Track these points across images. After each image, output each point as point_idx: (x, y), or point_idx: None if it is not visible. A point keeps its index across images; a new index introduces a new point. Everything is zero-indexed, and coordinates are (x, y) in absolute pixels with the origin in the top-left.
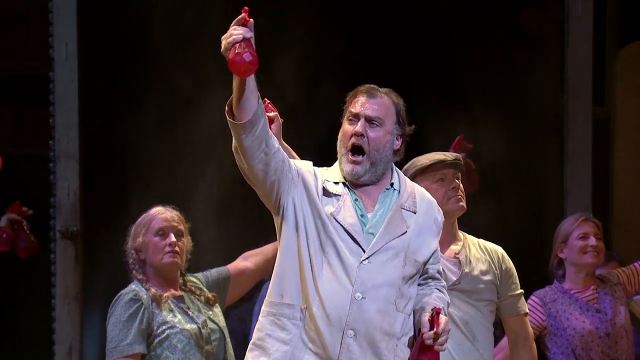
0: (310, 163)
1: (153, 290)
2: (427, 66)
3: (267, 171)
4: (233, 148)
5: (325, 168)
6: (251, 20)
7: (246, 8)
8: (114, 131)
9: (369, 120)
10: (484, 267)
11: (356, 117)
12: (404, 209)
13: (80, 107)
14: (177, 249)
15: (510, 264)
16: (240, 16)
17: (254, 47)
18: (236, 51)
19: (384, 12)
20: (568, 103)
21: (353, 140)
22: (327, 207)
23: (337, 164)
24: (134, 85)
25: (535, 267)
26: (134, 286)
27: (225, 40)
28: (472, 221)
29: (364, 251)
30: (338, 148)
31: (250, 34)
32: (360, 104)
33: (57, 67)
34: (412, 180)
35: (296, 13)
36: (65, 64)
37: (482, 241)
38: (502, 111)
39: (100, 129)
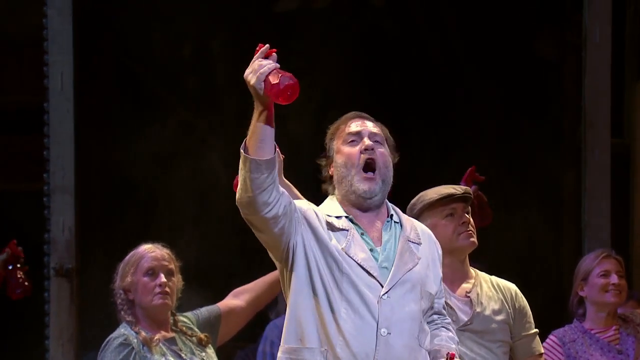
0: (306, 201)
1: (143, 333)
2: (436, 95)
3: (277, 215)
4: (238, 199)
5: (319, 206)
6: (275, 51)
7: (261, 45)
8: (112, 164)
9: (372, 137)
10: (496, 306)
11: (358, 135)
12: (410, 241)
13: (76, 138)
14: (167, 289)
15: (524, 301)
16: (263, 48)
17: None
18: (277, 80)
19: (392, 39)
20: (586, 134)
21: (365, 156)
22: (336, 243)
23: (331, 200)
24: (132, 115)
25: (552, 304)
26: (123, 330)
27: (254, 74)
28: (485, 252)
29: (382, 285)
30: (341, 175)
31: (277, 64)
32: (357, 124)
33: (52, 97)
34: (420, 215)
35: (303, 43)
36: (61, 93)
37: (494, 278)
38: (516, 142)
39: (97, 161)
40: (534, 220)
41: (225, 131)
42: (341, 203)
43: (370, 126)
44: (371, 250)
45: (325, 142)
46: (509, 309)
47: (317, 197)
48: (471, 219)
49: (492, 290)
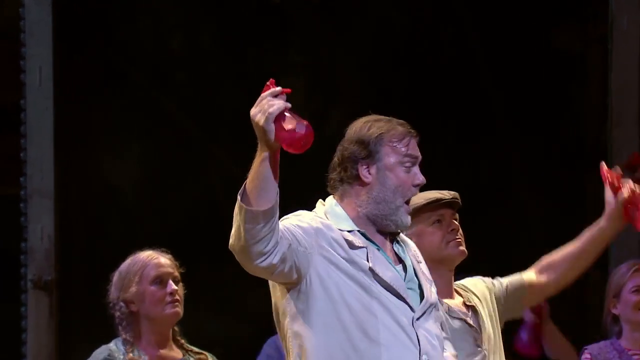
0: (307, 213)
1: (132, 355)
2: (448, 93)
3: (273, 265)
4: (231, 246)
5: (315, 214)
6: (289, 91)
7: (272, 80)
8: (95, 166)
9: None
10: (484, 309)
11: (413, 162)
12: (417, 260)
13: (56, 138)
14: (177, 297)
15: (483, 283)
16: (275, 89)
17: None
18: (293, 126)
19: (400, 32)
20: (612, 132)
21: (415, 192)
22: (361, 263)
23: (334, 207)
24: (116, 114)
25: (575, 318)
26: (111, 345)
27: (263, 114)
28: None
29: (411, 308)
30: (384, 197)
31: (289, 104)
32: (414, 146)
33: (30, 93)
34: None
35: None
36: (39, 90)
37: (460, 283)
38: (536, 142)
39: (78, 163)
40: (554, 227)
41: (220, 132)
42: (355, 217)
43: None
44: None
45: (364, 137)
46: (490, 301)
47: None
48: (459, 226)
49: (471, 294)
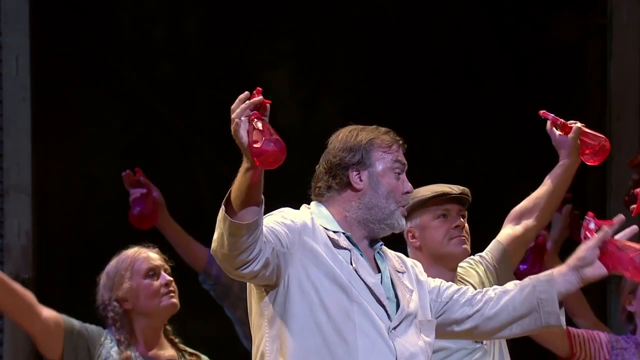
0: (292, 210)
1: (128, 353)
2: (444, 85)
3: (254, 272)
4: (213, 251)
5: (299, 211)
6: (269, 103)
7: (259, 89)
8: (74, 159)
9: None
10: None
11: (402, 169)
12: (397, 271)
13: (34, 131)
14: (172, 288)
15: (474, 269)
16: (255, 100)
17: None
18: (260, 143)
19: (394, 21)
20: (611, 126)
21: (407, 199)
22: (344, 262)
23: (319, 210)
24: (96, 105)
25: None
26: (105, 331)
27: (237, 126)
28: None
29: (388, 316)
30: (376, 203)
31: (266, 113)
32: (401, 154)
33: (6, 83)
34: (410, 214)
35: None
36: (16, 80)
37: (457, 273)
38: (533, 135)
39: (56, 156)
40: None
41: (204, 124)
42: (340, 220)
43: None
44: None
45: (353, 144)
46: (488, 283)
47: (304, 200)
48: (467, 225)
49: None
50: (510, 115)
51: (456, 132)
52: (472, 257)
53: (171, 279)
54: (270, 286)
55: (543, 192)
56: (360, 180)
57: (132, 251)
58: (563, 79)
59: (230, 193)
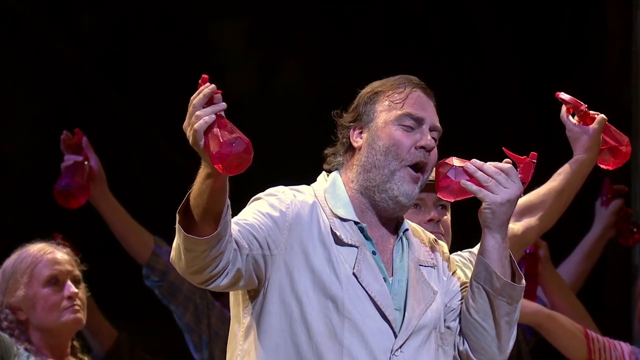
0: (288, 193)
1: None
2: (425, 39)
3: (221, 286)
4: (172, 260)
5: (302, 188)
6: (219, 92)
7: (205, 76)
8: None
9: (433, 131)
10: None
11: (418, 122)
12: (421, 265)
13: None
14: (78, 302)
15: (463, 271)
16: (204, 89)
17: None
18: (218, 147)
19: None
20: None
21: (420, 156)
22: (342, 264)
23: (334, 182)
24: (5, 65)
25: (599, 317)
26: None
27: (190, 128)
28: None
29: (394, 334)
30: (375, 162)
31: (221, 107)
32: (420, 105)
33: None
34: None
35: None
36: None
37: None
38: (549, 140)
39: None
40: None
41: (132, 84)
42: (353, 198)
43: (433, 112)
44: (384, 279)
45: (360, 99)
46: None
47: (265, 185)
48: (444, 218)
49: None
50: (523, 117)
51: (460, 90)
52: (461, 253)
53: (76, 290)
54: (256, 290)
55: (551, 190)
56: (360, 138)
57: (36, 249)
58: (583, 91)
59: (187, 199)
